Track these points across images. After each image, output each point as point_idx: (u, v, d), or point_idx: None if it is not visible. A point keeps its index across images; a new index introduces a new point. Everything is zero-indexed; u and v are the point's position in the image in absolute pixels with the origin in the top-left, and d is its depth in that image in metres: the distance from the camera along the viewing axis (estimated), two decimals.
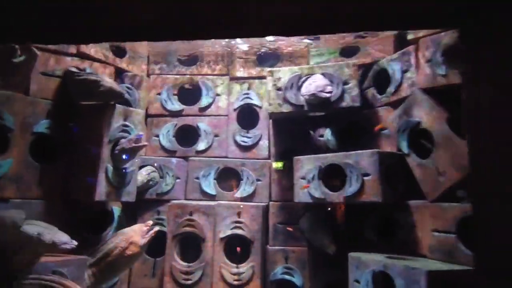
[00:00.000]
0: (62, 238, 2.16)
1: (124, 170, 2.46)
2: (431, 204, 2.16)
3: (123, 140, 2.41)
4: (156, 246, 2.66)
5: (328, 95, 2.50)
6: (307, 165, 2.60)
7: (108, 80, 2.41)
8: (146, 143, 2.46)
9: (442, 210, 2.08)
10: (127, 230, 2.43)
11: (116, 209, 2.75)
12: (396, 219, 2.42)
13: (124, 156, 2.39)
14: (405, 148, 2.36)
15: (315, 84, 2.52)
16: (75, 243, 2.17)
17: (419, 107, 2.30)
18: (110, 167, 2.37)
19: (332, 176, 2.58)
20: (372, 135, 2.68)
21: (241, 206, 2.67)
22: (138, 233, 2.40)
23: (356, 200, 2.35)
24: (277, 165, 2.94)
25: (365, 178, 2.33)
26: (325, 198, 2.45)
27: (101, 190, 2.33)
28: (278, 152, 2.99)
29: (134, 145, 2.39)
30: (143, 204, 2.88)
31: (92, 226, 2.56)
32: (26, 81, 2.39)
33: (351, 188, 2.36)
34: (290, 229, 2.71)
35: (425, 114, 2.25)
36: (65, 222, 2.30)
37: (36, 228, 2.15)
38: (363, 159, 2.35)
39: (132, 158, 2.43)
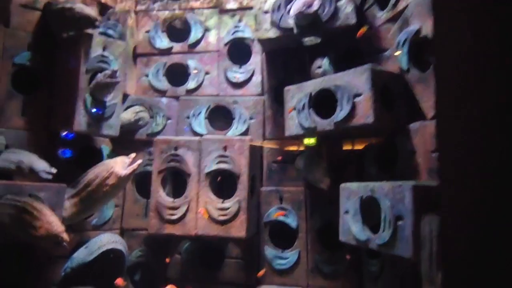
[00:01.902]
0: (41, 165, 2.22)
1: (104, 102, 2.45)
2: (431, 122, 1.93)
3: (99, 75, 2.39)
4: (149, 186, 2.67)
5: (315, 8, 2.28)
6: (297, 94, 2.43)
7: (83, 7, 2.38)
8: (119, 80, 2.42)
9: (441, 125, 1.84)
10: (108, 161, 2.44)
11: (106, 148, 2.78)
12: (396, 146, 2.21)
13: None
14: (404, 64, 2.11)
15: (302, 0, 2.31)
16: (54, 170, 2.22)
17: (418, 13, 2.02)
18: (89, 98, 2.37)
19: (326, 106, 2.40)
20: (373, 59, 2.43)
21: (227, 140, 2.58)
22: (120, 165, 2.40)
23: (347, 124, 2.15)
24: (309, 141, 2.82)
25: (356, 99, 2.12)
26: (315, 126, 2.29)
27: (80, 119, 2.33)
28: (272, 88, 2.84)
29: (108, 80, 2.36)
30: (134, 145, 2.87)
31: (80, 164, 2.61)
32: (6, 13, 2.43)
33: (341, 112, 2.17)
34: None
35: (424, 20, 1.98)
36: (49, 155, 2.37)
37: (16, 155, 2.22)
38: (354, 79, 2.14)
39: (107, 92, 2.41)
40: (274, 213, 2.62)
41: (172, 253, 2.71)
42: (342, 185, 2.18)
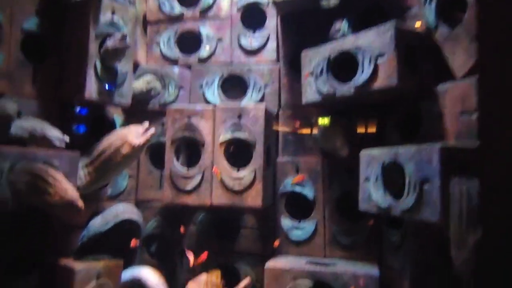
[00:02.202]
0: (54, 133, 2.20)
1: (115, 69, 2.40)
2: (461, 81, 1.80)
3: (108, 40, 2.32)
4: (163, 157, 2.64)
5: None
6: (315, 58, 2.32)
7: None
8: (130, 44, 2.35)
9: (473, 85, 1.72)
10: (122, 129, 2.41)
11: (118, 118, 2.75)
12: (421, 111, 2.09)
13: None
14: (432, 21, 1.96)
15: None
16: (67, 138, 2.21)
17: None
18: (99, 64, 2.32)
19: (346, 70, 2.28)
20: (397, 17, 2.28)
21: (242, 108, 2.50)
22: (133, 134, 2.36)
23: (368, 89, 2.05)
24: (323, 120, 2.72)
25: (379, 60, 2.00)
26: (334, 92, 2.18)
27: (91, 88, 2.28)
28: (288, 54, 2.73)
29: (118, 44, 2.29)
30: (147, 116, 2.82)
31: (92, 134, 2.59)
32: None
33: (362, 75, 2.06)
34: None
35: None
36: (61, 124, 2.34)
37: (29, 122, 2.21)
38: (377, 38, 2.01)
39: (117, 58, 2.35)
40: (292, 179, 2.54)
41: (187, 224, 2.71)
42: (363, 152, 2.10)
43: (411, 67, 2.00)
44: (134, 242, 2.40)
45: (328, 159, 2.57)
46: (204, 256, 1.73)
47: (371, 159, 2.00)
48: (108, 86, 2.38)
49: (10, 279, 2.05)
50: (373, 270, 2.20)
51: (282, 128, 2.69)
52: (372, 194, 1.93)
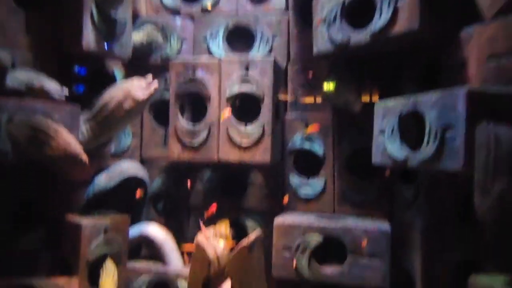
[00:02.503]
0: (52, 85, 2.10)
1: (112, 18, 2.25)
2: (490, 23, 1.66)
3: None
4: (166, 114, 2.56)
5: None
6: (328, 4, 2.16)
7: None
8: None
9: (505, 25, 1.58)
10: (124, 82, 2.31)
11: (118, 73, 2.63)
12: (442, 59, 1.97)
13: None
14: None
15: None
16: (66, 91, 2.11)
17: None
18: (95, 12, 2.17)
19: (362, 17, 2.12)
20: None
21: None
22: (136, 87, 2.26)
23: (387, 34, 1.91)
24: (328, 86, 2.56)
25: (399, 3, 1.85)
26: (348, 40, 2.05)
27: (88, 37, 2.15)
28: (298, 2, 2.55)
29: None
30: (148, 71, 2.69)
31: (92, 89, 2.49)
32: None
33: (380, 19, 1.92)
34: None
35: None
36: (58, 76, 2.24)
37: (25, 74, 2.10)
38: None
39: (114, 5, 2.19)
40: (307, 129, 2.46)
41: (194, 182, 2.67)
42: (377, 104, 2.00)
43: (434, 9, 1.85)
44: (139, 193, 2.37)
45: (338, 115, 2.48)
46: (213, 208, 1.70)
47: (387, 111, 1.91)
48: (107, 45, 2.25)
49: (15, 234, 2.04)
50: (384, 225, 2.17)
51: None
52: (387, 146, 1.85)
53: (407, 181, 2.23)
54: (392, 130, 1.83)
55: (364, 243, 2.04)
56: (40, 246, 2.06)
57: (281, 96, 2.54)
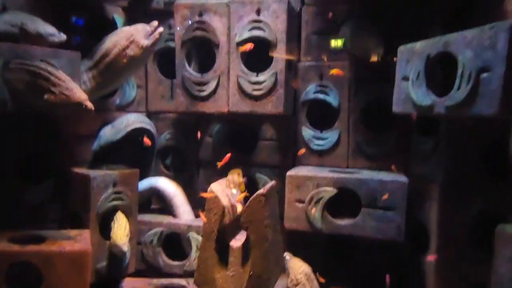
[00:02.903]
0: (49, 29, 1.95)
1: None
2: None
3: None
4: (172, 64, 2.42)
5: None
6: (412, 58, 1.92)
7: None
8: None
9: None
10: (127, 28, 2.14)
11: (119, 19, 2.46)
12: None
13: None
14: None
15: None
16: (63, 36, 1.97)
17: None
18: None
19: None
20: None
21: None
22: (141, 33, 2.10)
23: (463, 112, 1.65)
24: (336, 43, 2.34)
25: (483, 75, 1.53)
26: (433, 105, 1.77)
27: None
28: None
29: None
30: (151, 17, 2.51)
31: (91, 36, 2.34)
32: None
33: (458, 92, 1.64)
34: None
35: None
36: (56, 22, 2.08)
37: (18, 17, 1.95)
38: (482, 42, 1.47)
39: None
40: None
41: (203, 135, 2.59)
42: (401, 48, 1.85)
43: None
44: (147, 141, 2.28)
45: (355, 64, 2.33)
46: (227, 158, 1.63)
47: (412, 54, 1.76)
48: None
49: (23, 188, 2.00)
50: (401, 177, 2.11)
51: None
52: (411, 93, 1.73)
53: (425, 133, 2.14)
54: (418, 75, 1.70)
55: (386, 196, 1.98)
56: (48, 199, 2.03)
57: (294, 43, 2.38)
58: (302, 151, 2.40)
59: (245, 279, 1.43)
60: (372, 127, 2.35)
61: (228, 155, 1.61)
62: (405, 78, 1.79)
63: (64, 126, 2.15)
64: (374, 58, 2.14)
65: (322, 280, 1.92)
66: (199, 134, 2.44)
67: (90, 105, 1.68)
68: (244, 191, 1.55)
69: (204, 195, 1.42)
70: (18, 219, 1.91)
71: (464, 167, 1.89)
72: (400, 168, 2.28)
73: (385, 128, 2.31)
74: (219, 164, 1.57)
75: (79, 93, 1.66)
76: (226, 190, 1.54)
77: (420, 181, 2.11)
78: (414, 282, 2.10)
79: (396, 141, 2.29)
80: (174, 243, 2.36)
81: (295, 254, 2.27)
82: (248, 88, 2.23)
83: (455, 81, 1.48)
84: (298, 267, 1.82)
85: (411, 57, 1.77)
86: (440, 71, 1.75)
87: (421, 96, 1.67)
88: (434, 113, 1.62)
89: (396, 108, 1.86)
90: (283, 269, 1.71)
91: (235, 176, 1.48)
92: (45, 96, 1.64)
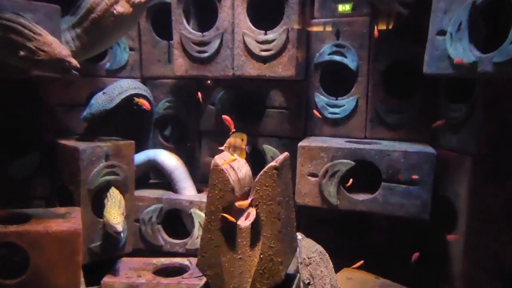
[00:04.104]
0: None
1: None
2: None
3: None
4: (170, 23, 2.16)
5: None
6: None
7: None
8: None
9: None
10: None
11: None
12: None
13: None
14: None
15: None
16: None
17: None
18: None
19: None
20: None
21: None
22: None
23: None
24: (344, 8, 2.04)
25: None
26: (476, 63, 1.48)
27: None
28: None
29: None
30: None
31: None
32: None
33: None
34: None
35: None
36: None
37: None
38: None
39: None
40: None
41: (205, 103, 2.37)
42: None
43: None
44: (144, 103, 2.07)
45: (377, 19, 2.06)
46: (228, 120, 1.44)
47: (451, 3, 1.50)
48: None
49: (4, 162, 1.82)
50: (427, 148, 1.90)
51: None
52: (449, 49, 1.48)
53: (456, 98, 1.91)
54: (459, 27, 1.45)
55: (415, 177, 1.79)
56: (33, 174, 1.85)
57: None
58: (317, 114, 2.17)
59: (255, 262, 1.27)
60: (394, 92, 2.13)
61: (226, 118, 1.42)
62: (441, 32, 1.54)
63: (48, 94, 1.94)
64: (400, 12, 1.87)
65: None
66: (200, 96, 2.19)
67: (74, 62, 1.46)
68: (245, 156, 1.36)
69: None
70: (0, 196, 1.74)
71: (503, 138, 1.67)
72: (424, 139, 2.09)
73: (409, 93, 2.09)
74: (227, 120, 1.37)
75: (59, 48, 1.43)
76: (233, 161, 1.35)
77: (449, 153, 1.91)
78: (437, 265, 1.94)
79: (421, 108, 2.07)
80: (175, 220, 2.21)
81: (306, 232, 2.12)
82: (256, 48, 1.99)
83: (507, 33, 1.24)
84: (311, 246, 1.66)
85: (450, 6, 1.51)
86: (482, 26, 1.50)
87: (462, 52, 1.43)
88: (477, 73, 1.39)
89: (428, 68, 1.62)
90: (296, 251, 1.55)
91: (238, 139, 1.28)
92: (21, 53, 1.42)
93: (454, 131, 1.91)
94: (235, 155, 1.32)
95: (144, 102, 2.01)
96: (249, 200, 1.28)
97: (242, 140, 1.31)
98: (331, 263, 1.69)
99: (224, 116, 1.49)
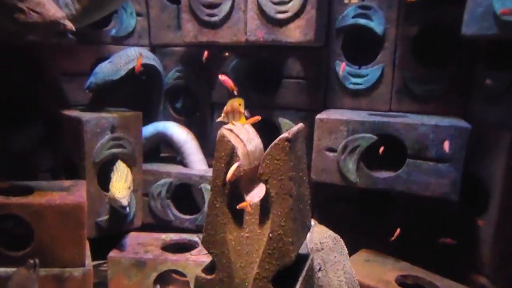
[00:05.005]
0: None
1: None
2: None
3: None
4: None
5: None
6: None
7: None
8: None
9: None
10: None
11: None
12: None
13: None
14: None
15: None
16: None
17: None
18: None
19: None
20: None
21: None
22: None
23: None
24: None
25: None
26: None
27: None
28: None
29: None
30: None
31: None
32: None
33: None
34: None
35: None
36: None
37: None
38: None
39: None
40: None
41: (216, 72, 2.26)
42: None
43: None
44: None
45: None
46: (229, 83, 1.33)
47: None
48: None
49: (6, 134, 1.79)
50: (459, 122, 1.74)
51: None
52: (495, 5, 1.30)
53: (497, 66, 1.71)
54: None
55: (446, 144, 1.64)
56: (37, 146, 1.82)
57: None
58: (343, 67, 2.00)
59: (264, 241, 1.19)
60: (424, 60, 1.95)
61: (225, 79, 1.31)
62: None
63: (50, 62, 1.88)
64: None
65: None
66: (205, 55, 2.03)
67: (69, 24, 1.37)
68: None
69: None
70: (3, 169, 1.72)
71: None
72: (457, 112, 1.91)
73: (442, 61, 1.91)
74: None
75: (53, 10, 1.34)
76: (242, 132, 1.25)
77: (484, 128, 1.74)
78: (464, 250, 1.82)
79: (455, 77, 1.89)
80: (185, 195, 2.16)
81: (322, 211, 2.03)
82: (271, 9, 1.84)
83: None
84: (324, 231, 1.58)
85: None
86: None
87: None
88: None
89: (467, 29, 1.45)
90: (309, 230, 1.47)
91: (234, 103, 1.17)
92: (14, 15, 1.34)
93: (492, 103, 1.74)
94: (234, 122, 1.23)
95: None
96: (249, 202, 1.20)
97: (240, 104, 1.20)
98: (346, 249, 1.61)
99: (222, 77, 1.38)
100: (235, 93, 1.26)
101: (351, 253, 1.84)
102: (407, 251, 1.86)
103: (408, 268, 1.76)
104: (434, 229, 1.89)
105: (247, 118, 1.23)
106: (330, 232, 1.58)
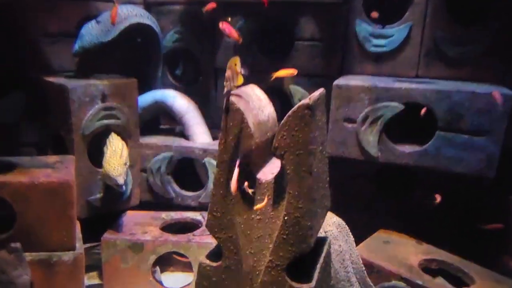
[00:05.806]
0: None
1: None
2: None
3: None
4: None
5: None
6: None
7: None
8: None
9: None
10: None
11: None
12: None
13: None
14: None
15: None
16: None
17: None
18: None
19: None
20: None
21: None
22: None
23: None
24: None
25: None
26: None
27: None
28: None
29: None
30: None
31: None
32: None
33: None
34: None
35: None
36: None
37: None
38: None
39: None
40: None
41: (220, 35, 2.06)
42: None
43: None
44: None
45: None
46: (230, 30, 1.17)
47: None
48: None
49: None
50: (501, 89, 1.55)
51: None
52: None
53: None
54: None
55: (497, 95, 1.45)
56: (21, 116, 1.66)
57: None
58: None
59: (278, 225, 1.05)
60: (459, 17, 1.75)
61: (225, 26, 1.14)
62: None
63: (29, 21, 1.69)
64: None
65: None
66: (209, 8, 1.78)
67: None
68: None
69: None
70: None
71: None
72: (495, 78, 1.72)
73: (480, 18, 1.72)
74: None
75: None
76: (254, 99, 1.09)
77: None
78: (495, 232, 1.68)
79: (496, 37, 1.69)
80: (188, 170, 2.03)
81: (339, 188, 1.90)
82: None
83: None
84: (328, 218, 1.45)
85: None
86: None
87: None
88: None
89: None
90: (328, 211, 1.34)
91: (231, 64, 1.02)
92: None
93: None
94: (231, 84, 1.05)
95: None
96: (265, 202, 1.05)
97: (235, 64, 1.03)
98: (351, 236, 1.49)
99: (223, 25, 1.19)
100: (240, 42, 1.08)
101: (368, 234, 1.74)
102: (431, 233, 1.74)
103: (433, 251, 1.63)
104: (460, 209, 1.76)
105: (245, 78, 1.06)
106: (335, 219, 1.47)
